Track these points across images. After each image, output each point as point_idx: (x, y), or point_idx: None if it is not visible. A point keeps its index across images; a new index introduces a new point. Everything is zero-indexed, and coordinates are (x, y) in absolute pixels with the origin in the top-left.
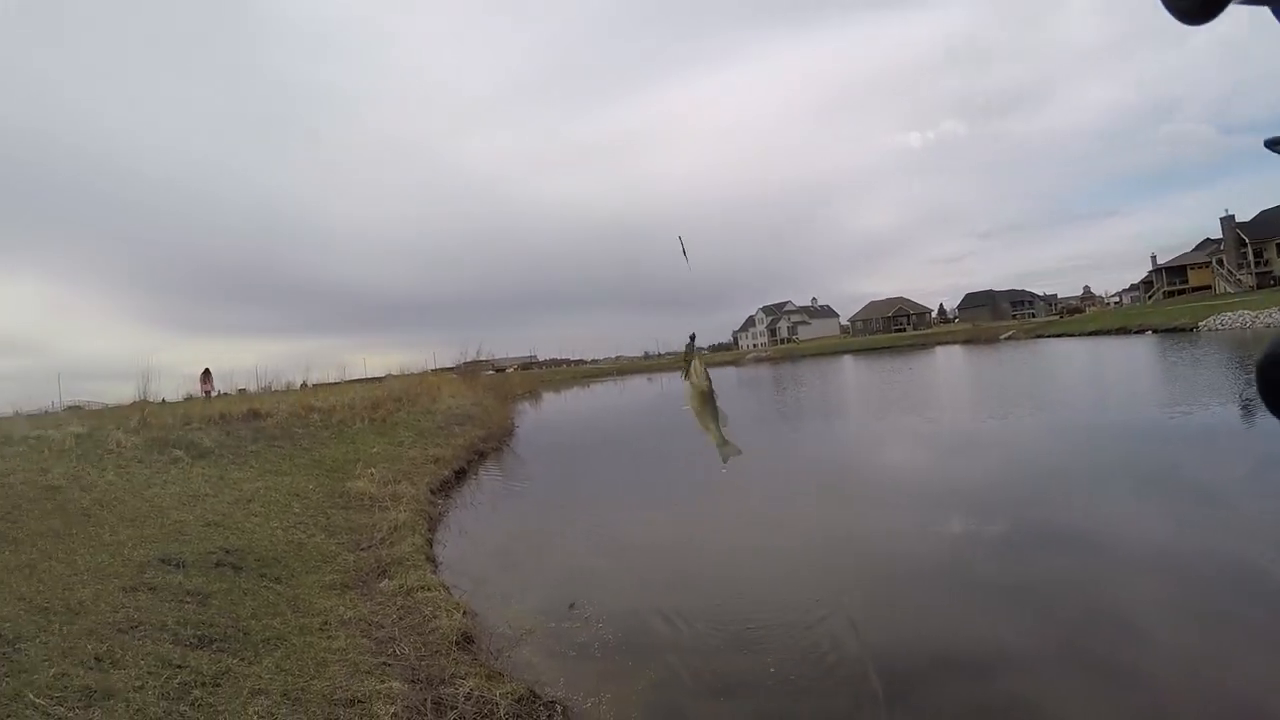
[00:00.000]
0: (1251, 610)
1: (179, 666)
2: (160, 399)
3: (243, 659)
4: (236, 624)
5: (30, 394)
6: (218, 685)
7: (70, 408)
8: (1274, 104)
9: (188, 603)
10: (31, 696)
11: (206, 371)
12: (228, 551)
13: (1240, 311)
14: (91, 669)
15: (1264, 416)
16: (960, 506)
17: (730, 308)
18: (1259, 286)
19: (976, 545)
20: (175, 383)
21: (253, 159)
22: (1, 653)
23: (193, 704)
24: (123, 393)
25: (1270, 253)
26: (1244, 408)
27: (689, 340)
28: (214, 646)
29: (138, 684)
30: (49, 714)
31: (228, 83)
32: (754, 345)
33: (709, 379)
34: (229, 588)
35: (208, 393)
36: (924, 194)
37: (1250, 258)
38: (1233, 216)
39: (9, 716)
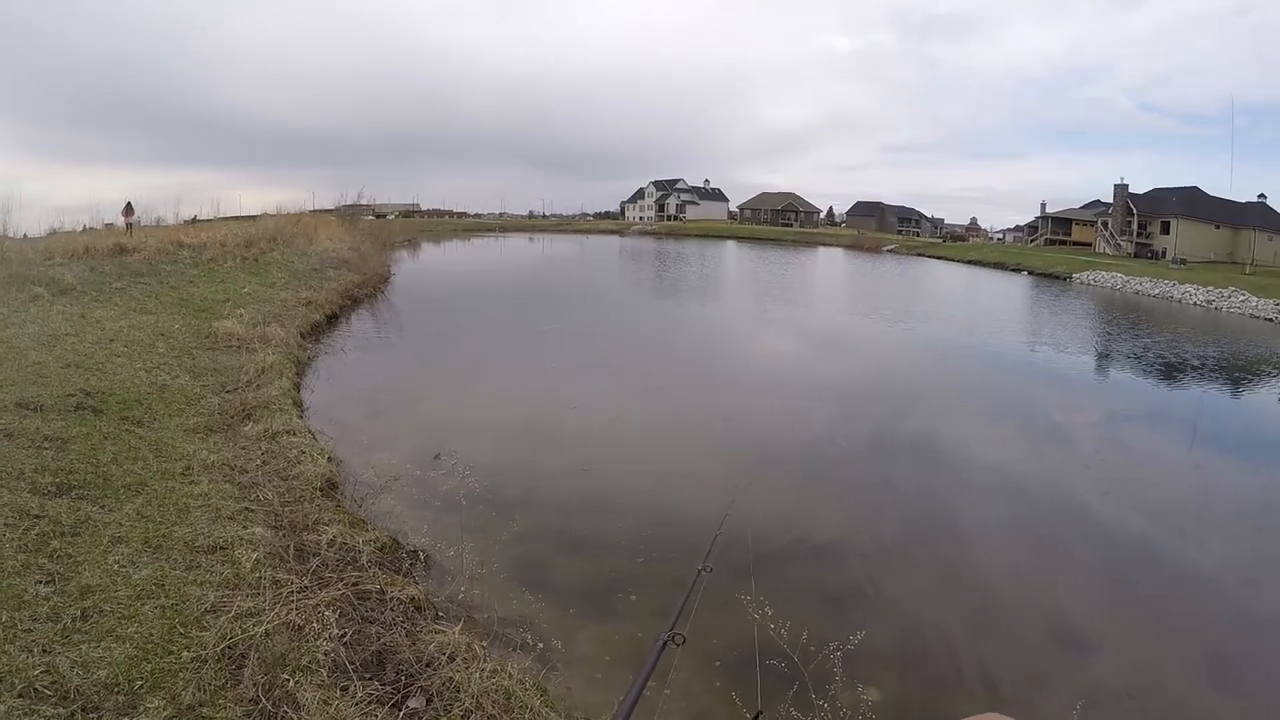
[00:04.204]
0: (1077, 542)
1: (37, 516)
2: (22, 234)
3: (103, 506)
4: (96, 470)
5: None
6: (77, 534)
7: None
8: (1190, 96)
9: (46, 449)
10: None
11: (129, 205)
12: (88, 394)
13: (1115, 273)
14: None
15: (1116, 371)
16: (824, 401)
17: (622, 177)
18: (1136, 255)
19: (835, 441)
20: (42, 215)
21: None
22: None
23: (51, 555)
24: None
25: (1153, 228)
26: (1100, 358)
27: None
28: (73, 494)
29: None
30: None
31: None
32: (640, 218)
33: None
34: (89, 432)
35: (129, 224)
36: (839, 100)
37: (1134, 227)
38: (1127, 185)
39: None
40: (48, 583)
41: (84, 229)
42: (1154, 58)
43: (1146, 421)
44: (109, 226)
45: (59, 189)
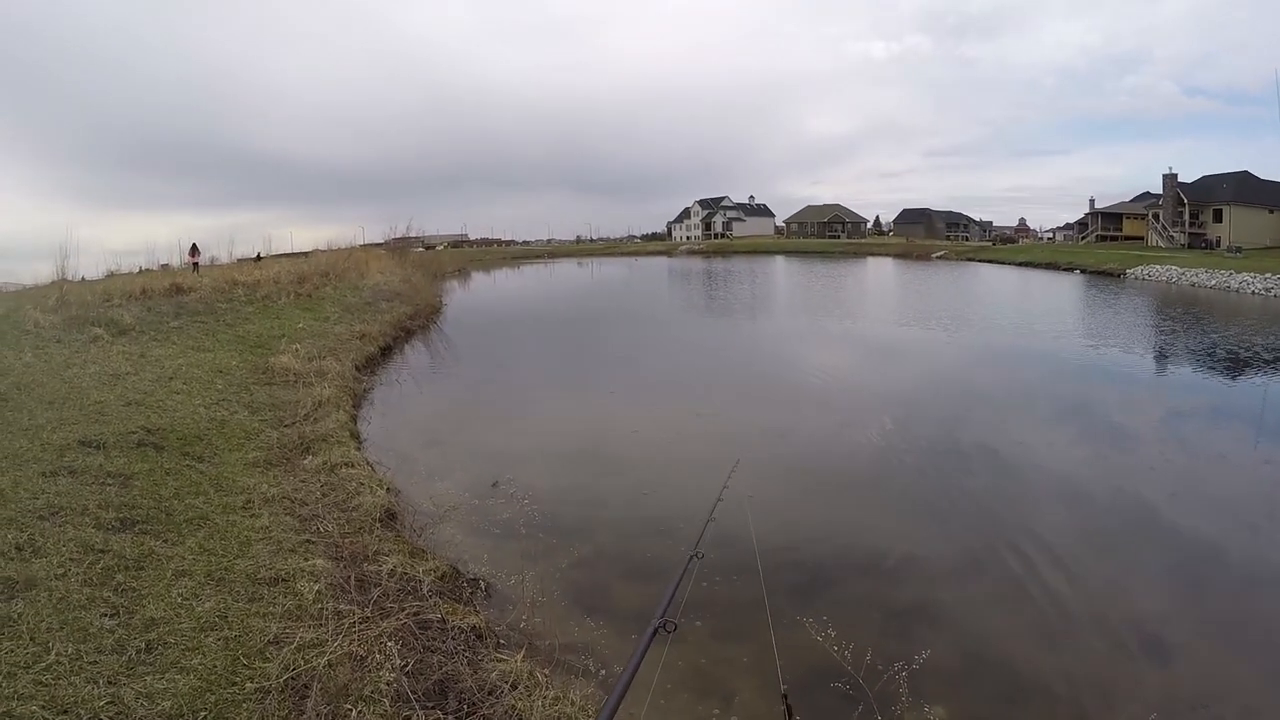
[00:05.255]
0: (1144, 546)
1: (102, 551)
2: (80, 277)
3: (166, 540)
4: (159, 505)
5: None
6: (141, 568)
7: None
8: (1236, 75)
9: (109, 485)
10: None
11: (194, 246)
12: (149, 431)
13: (1169, 266)
14: (12, 559)
15: (1184, 369)
16: (882, 414)
17: (667, 197)
18: (1189, 246)
19: (893, 453)
20: (97, 259)
21: (178, 14)
22: None
23: (116, 589)
24: (41, 272)
25: (1206, 216)
26: (1165, 357)
27: None
28: (136, 529)
29: (60, 571)
30: None
31: None
32: (687, 238)
33: None
34: (151, 468)
35: (195, 264)
36: (878, 106)
37: (1186, 218)
38: (1175, 175)
39: None
40: (112, 615)
41: (140, 271)
42: (1194, 38)
43: (1215, 419)
44: (164, 267)
45: (113, 232)
